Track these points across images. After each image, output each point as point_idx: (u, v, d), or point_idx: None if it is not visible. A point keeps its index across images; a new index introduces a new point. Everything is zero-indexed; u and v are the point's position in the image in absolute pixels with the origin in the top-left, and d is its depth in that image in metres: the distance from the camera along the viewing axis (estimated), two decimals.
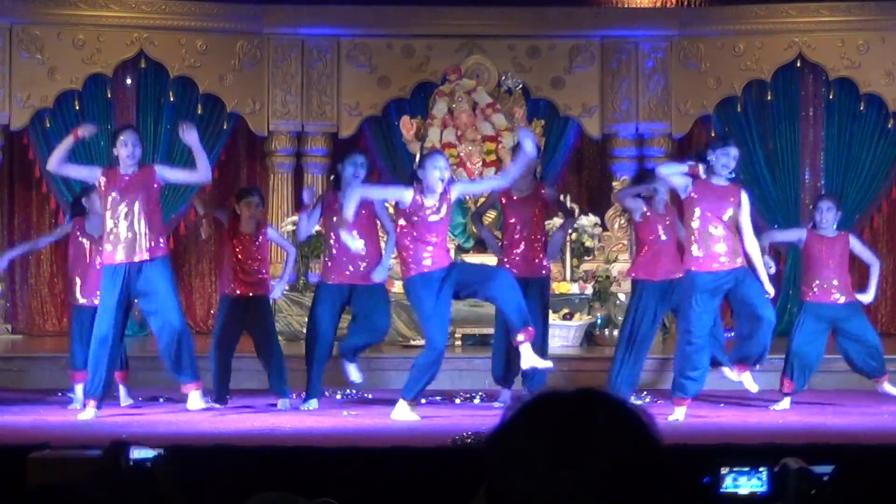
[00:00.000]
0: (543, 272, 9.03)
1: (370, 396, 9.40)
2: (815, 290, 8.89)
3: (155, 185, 8.26)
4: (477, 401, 9.20)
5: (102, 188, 8.19)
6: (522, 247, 8.94)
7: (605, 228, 12.86)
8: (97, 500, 2.61)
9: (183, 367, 8.29)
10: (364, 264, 8.65)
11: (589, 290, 12.05)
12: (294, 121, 13.45)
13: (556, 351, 11.04)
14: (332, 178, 9.33)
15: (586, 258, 12.46)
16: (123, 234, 8.15)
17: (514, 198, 9.00)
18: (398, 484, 6.12)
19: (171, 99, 13.18)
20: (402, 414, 8.03)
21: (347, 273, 8.70)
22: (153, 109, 13.23)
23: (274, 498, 2.76)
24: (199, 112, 13.21)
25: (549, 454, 1.68)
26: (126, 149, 8.18)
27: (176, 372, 8.35)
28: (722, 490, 3.81)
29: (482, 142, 12.58)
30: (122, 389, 8.93)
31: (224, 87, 13.25)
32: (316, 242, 11.89)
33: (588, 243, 12.42)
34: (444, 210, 7.96)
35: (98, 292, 8.38)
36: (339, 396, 9.41)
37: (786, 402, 8.80)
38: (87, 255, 8.87)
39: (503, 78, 13.19)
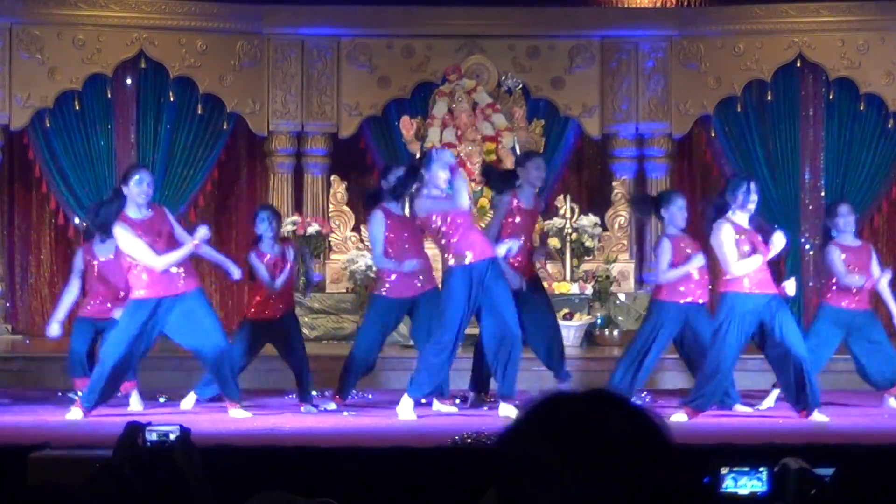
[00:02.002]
0: None
1: (370, 396, 9.40)
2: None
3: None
4: None
5: None
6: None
7: (605, 228, 12.87)
8: (97, 500, 2.61)
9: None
10: None
11: (589, 290, 12.05)
12: (294, 121, 13.45)
13: None
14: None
15: (586, 258, 12.46)
16: None
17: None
18: (398, 484, 6.12)
19: (171, 99, 13.18)
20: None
21: None
22: (153, 109, 13.23)
23: (274, 498, 2.76)
24: (199, 112, 13.22)
25: (560, 455, 1.68)
26: None
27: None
28: (722, 490, 3.81)
29: (482, 142, 12.59)
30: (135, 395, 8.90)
31: (224, 87, 13.24)
32: (317, 242, 11.91)
33: (588, 243, 12.42)
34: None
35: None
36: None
37: None
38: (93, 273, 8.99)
39: (503, 78, 13.19)
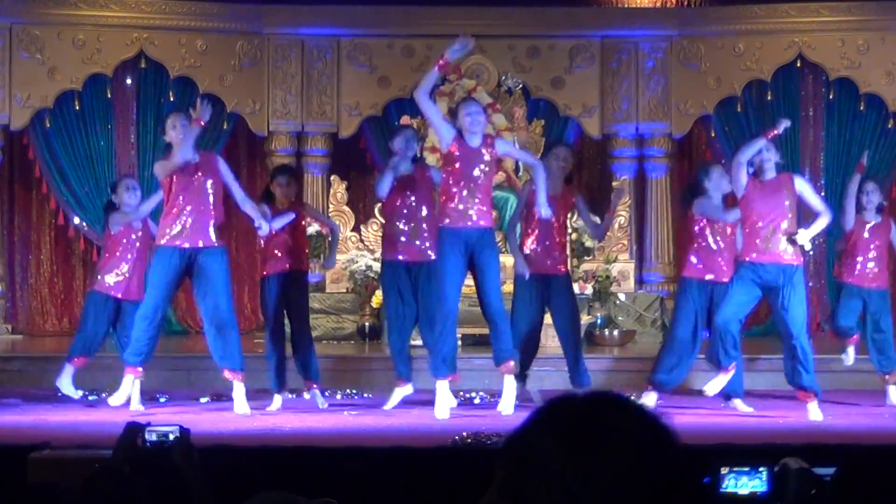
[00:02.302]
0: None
1: (370, 396, 9.40)
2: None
3: None
4: (477, 400, 9.20)
5: None
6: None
7: None
8: (97, 500, 2.61)
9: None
10: None
11: (589, 290, 12.05)
12: (294, 121, 13.46)
13: (557, 351, 11.04)
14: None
15: (586, 258, 12.46)
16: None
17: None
18: (398, 484, 6.12)
19: (171, 99, 13.18)
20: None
21: None
22: (153, 109, 13.23)
23: (274, 498, 2.76)
24: None
25: (564, 455, 1.68)
26: None
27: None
28: (722, 490, 3.81)
29: None
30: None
31: (224, 87, 13.25)
32: (316, 243, 11.90)
33: (588, 243, 12.42)
34: None
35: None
36: (339, 396, 9.42)
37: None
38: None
39: (503, 78, 13.19)
